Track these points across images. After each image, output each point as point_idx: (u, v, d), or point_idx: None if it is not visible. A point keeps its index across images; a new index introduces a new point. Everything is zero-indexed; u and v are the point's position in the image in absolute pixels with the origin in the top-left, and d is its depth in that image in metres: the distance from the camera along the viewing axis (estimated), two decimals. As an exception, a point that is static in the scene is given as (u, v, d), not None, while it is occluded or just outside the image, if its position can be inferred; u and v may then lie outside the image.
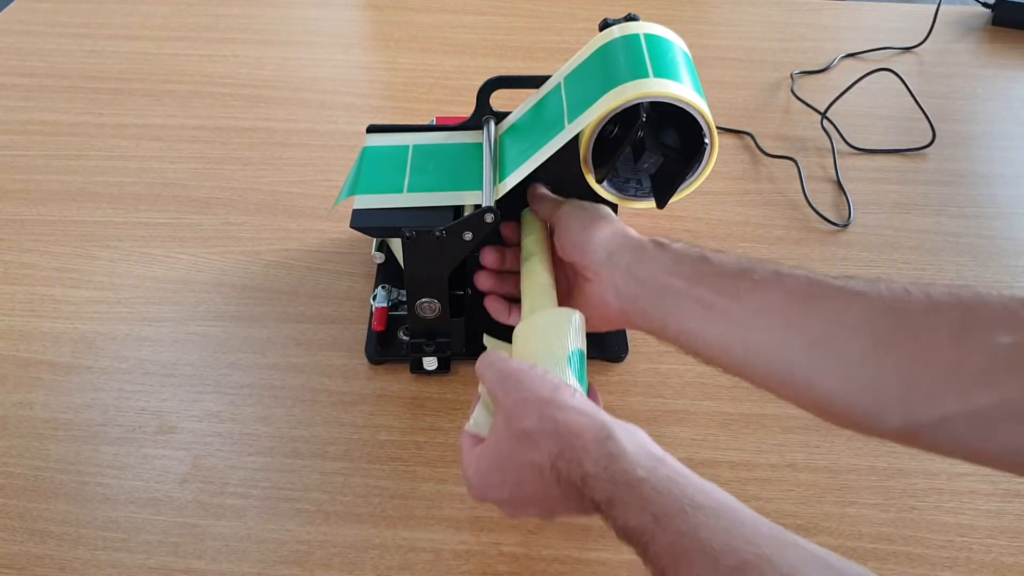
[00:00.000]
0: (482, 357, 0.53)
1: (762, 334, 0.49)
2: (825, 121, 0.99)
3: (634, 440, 0.46)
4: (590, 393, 0.54)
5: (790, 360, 0.48)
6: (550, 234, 0.64)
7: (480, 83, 0.70)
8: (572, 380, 0.52)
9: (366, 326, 0.74)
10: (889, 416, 0.44)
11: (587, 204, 0.62)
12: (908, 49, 1.14)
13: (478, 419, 0.53)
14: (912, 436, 0.44)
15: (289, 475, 0.64)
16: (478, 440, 0.52)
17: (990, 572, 0.59)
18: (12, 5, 1.20)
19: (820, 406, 0.47)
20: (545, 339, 0.55)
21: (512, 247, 0.67)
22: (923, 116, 1.00)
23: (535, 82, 0.70)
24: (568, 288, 0.62)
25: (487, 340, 0.61)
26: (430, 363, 0.70)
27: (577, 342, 0.55)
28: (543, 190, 0.67)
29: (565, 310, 0.57)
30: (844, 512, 0.63)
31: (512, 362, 0.51)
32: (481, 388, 0.54)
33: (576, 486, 0.45)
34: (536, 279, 0.61)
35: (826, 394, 0.46)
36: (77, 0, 1.21)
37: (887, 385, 0.44)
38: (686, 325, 0.52)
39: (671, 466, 0.45)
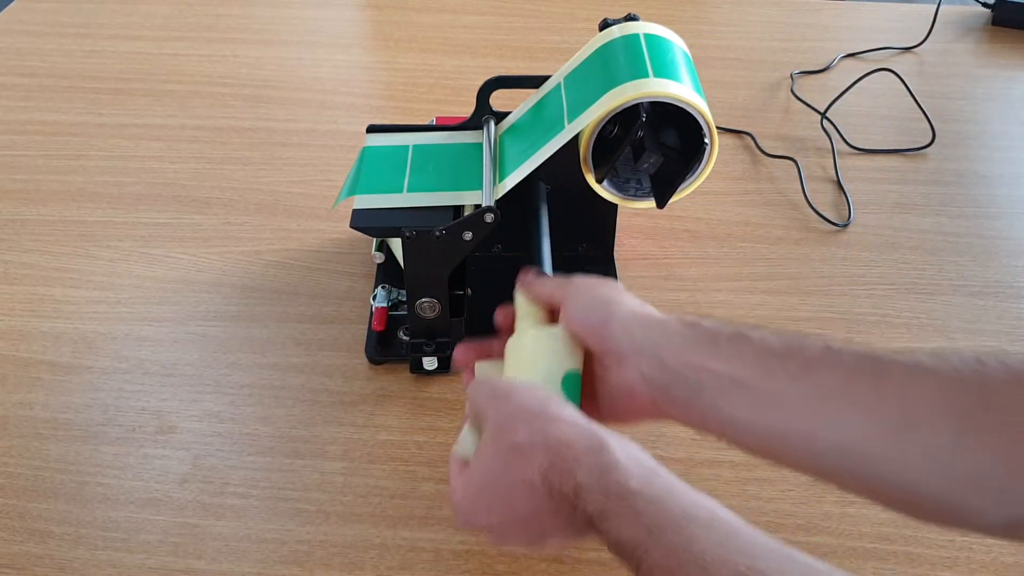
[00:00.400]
0: (473, 382, 0.52)
1: (828, 423, 0.43)
2: (825, 121, 0.99)
3: (627, 451, 0.44)
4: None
5: (867, 452, 0.42)
6: (551, 316, 0.57)
7: (480, 83, 0.70)
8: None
9: (366, 326, 0.74)
10: (990, 509, 0.39)
11: (595, 281, 0.55)
12: (908, 49, 1.14)
13: (464, 442, 0.51)
14: (1015, 530, 0.40)
15: (289, 475, 0.64)
16: (466, 465, 0.49)
17: (990, 572, 0.59)
18: (12, 5, 1.20)
19: (906, 503, 0.42)
20: (538, 358, 0.52)
21: (502, 335, 0.59)
22: (923, 116, 1.00)
23: (535, 82, 0.70)
24: (584, 378, 0.54)
25: (477, 366, 0.57)
26: (430, 363, 0.70)
27: (572, 362, 0.52)
28: (537, 272, 0.59)
29: (560, 328, 0.53)
30: (844, 512, 0.62)
31: (502, 380, 0.50)
32: (468, 409, 0.52)
33: (568, 498, 0.44)
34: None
35: (915, 490, 0.41)
36: (77, 0, 1.21)
37: (984, 474, 0.39)
38: (731, 415, 0.46)
39: (665, 478, 0.43)
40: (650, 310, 0.52)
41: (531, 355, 0.53)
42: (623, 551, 0.42)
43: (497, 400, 0.48)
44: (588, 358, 0.54)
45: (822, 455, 0.44)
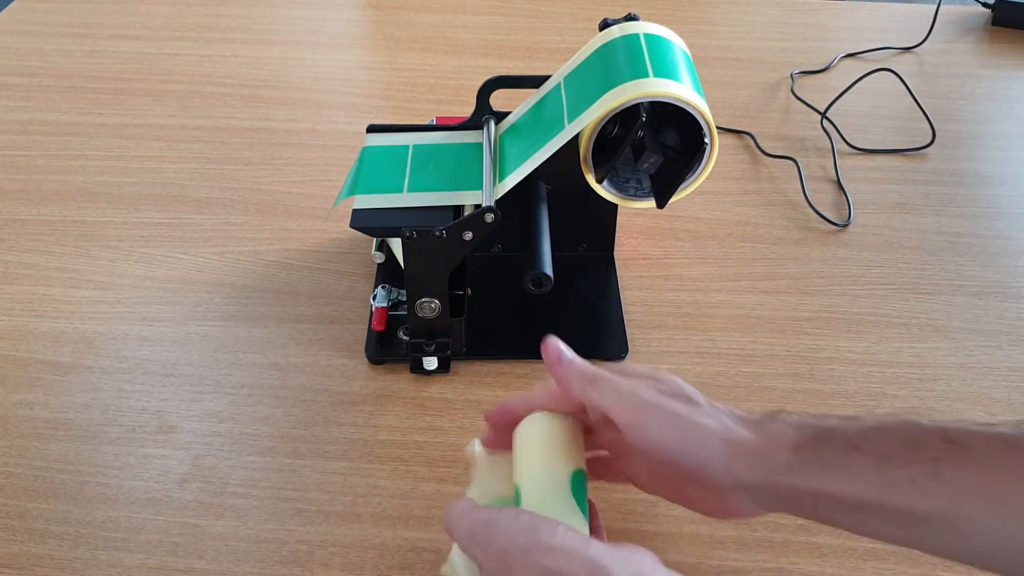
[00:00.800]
0: (449, 508, 0.49)
1: (971, 528, 0.41)
2: (825, 121, 0.99)
3: (632, 570, 0.42)
4: (590, 511, 0.50)
5: (1006, 545, 0.41)
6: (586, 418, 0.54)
7: (480, 83, 0.70)
8: (569, 508, 0.48)
9: (366, 326, 0.74)
10: None
11: (663, 397, 0.49)
12: (908, 49, 1.14)
13: (454, 564, 0.49)
14: None
15: (289, 475, 0.64)
16: None
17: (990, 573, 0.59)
18: (12, 5, 1.20)
19: None
20: (541, 457, 0.50)
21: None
22: (923, 116, 1.00)
23: (535, 82, 0.70)
24: (667, 484, 0.52)
25: (477, 455, 0.55)
26: (430, 363, 0.70)
27: (577, 460, 0.51)
28: (574, 360, 0.52)
29: (564, 418, 0.52)
30: (844, 512, 0.62)
31: (482, 511, 0.47)
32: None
33: None
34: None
35: None
36: (77, 0, 1.21)
37: None
38: (858, 529, 0.46)
39: None
40: (737, 432, 0.47)
41: (534, 450, 0.51)
42: None
43: (480, 537, 0.46)
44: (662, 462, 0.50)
45: (965, 551, 0.43)
